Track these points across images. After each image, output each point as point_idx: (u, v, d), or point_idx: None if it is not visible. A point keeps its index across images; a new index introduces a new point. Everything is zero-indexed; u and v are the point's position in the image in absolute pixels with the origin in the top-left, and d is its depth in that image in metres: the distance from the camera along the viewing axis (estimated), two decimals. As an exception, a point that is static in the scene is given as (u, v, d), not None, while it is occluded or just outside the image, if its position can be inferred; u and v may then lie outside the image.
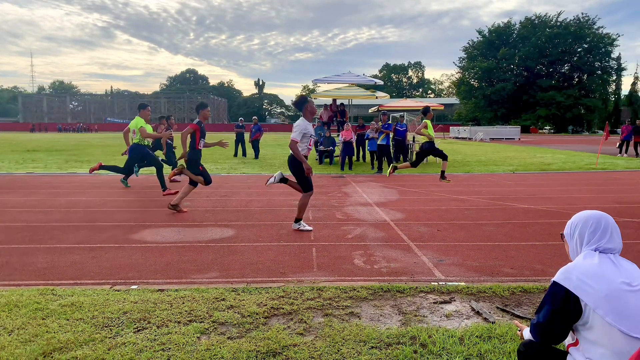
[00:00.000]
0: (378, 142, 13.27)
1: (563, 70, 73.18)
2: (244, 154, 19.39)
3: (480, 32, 76.54)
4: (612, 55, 68.46)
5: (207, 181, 7.01)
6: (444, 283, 3.99)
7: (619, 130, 27.03)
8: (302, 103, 5.87)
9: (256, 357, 2.71)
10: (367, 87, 20.89)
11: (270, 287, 3.86)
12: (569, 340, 1.88)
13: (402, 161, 15.49)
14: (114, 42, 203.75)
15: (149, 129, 8.60)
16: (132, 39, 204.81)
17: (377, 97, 20.01)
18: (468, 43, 78.18)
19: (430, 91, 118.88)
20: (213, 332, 3.02)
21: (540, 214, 7.09)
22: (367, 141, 14.59)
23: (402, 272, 4.33)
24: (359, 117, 18.40)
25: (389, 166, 13.15)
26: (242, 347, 2.80)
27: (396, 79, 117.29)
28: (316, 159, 16.71)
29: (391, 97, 24.84)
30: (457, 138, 45.70)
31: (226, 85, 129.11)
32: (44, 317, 3.21)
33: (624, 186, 10.43)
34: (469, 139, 42.75)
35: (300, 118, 5.84)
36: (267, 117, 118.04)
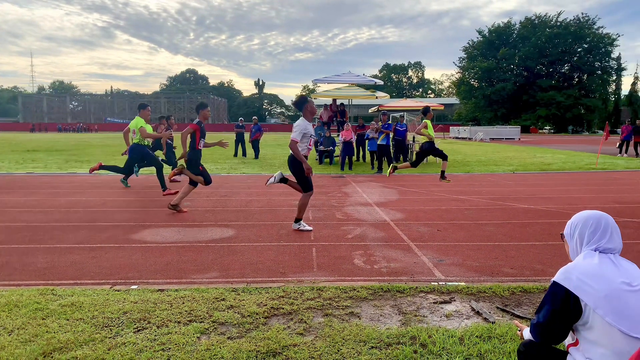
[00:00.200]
0: (378, 142, 13.27)
1: (563, 70, 73.18)
2: (244, 154, 19.39)
3: (480, 32, 76.61)
4: (612, 55, 68.51)
5: (207, 181, 7.02)
6: (444, 283, 3.99)
7: (619, 130, 27.03)
8: (302, 103, 5.87)
9: (256, 357, 2.71)
10: (367, 87, 20.89)
11: (270, 287, 3.86)
12: (569, 340, 1.88)
13: (402, 161, 15.49)
14: (114, 42, 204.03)
15: (149, 129, 8.61)
16: (132, 39, 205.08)
17: (377, 97, 20.02)
18: (468, 43, 78.28)
19: (430, 91, 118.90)
20: (213, 332, 3.02)
21: (540, 214, 7.09)
22: (367, 141, 14.59)
23: (402, 272, 4.33)
24: (359, 117, 18.40)
25: (389, 166, 13.17)
26: (242, 347, 2.80)
27: (396, 79, 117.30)
28: (316, 159, 16.71)
29: (391, 97, 24.84)
30: (457, 138, 45.71)
31: (226, 85, 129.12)
32: (44, 317, 3.21)
33: (624, 186, 10.43)
34: (469, 139, 42.73)
35: (300, 118, 5.84)
36: (267, 117, 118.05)
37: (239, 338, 2.95)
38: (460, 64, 79.69)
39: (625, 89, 73.69)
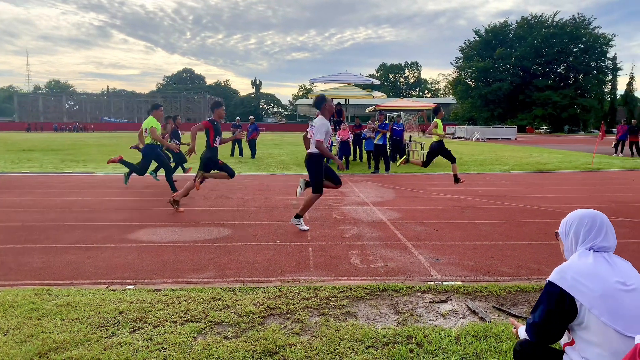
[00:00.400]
0: (375, 142, 13.28)
1: (559, 70, 73.42)
2: (241, 153, 19.37)
3: (476, 32, 76.78)
4: (608, 55, 68.78)
5: (231, 174, 6.98)
6: (440, 282, 4.00)
7: (614, 130, 27.17)
8: (321, 102, 5.92)
9: (252, 356, 2.71)
10: (364, 86, 20.91)
11: (267, 287, 3.85)
12: (565, 339, 1.89)
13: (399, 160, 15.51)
14: (110, 42, 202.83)
15: (159, 129, 8.55)
16: (129, 38, 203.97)
17: (374, 97, 20.06)
18: (465, 43, 78.48)
19: (427, 91, 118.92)
20: (209, 332, 3.02)
21: (536, 213, 7.11)
22: (363, 141, 14.59)
23: (399, 271, 4.34)
24: (355, 117, 18.39)
25: (385, 166, 13.18)
26: (238, 347, 2.79)
27: (393, 79, 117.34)
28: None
29: (388, 96, 24.93)
30: (453, 138, 45.82)
31: (223, 84, 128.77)
32: (40, 317, 3.19)
33: (620, 185, 10.48)
34: (466, 138, 42.86)
35: (320, 117, 5.85)
36: (264, 116, 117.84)
37: (236, 338, 2.94)
38: (456, 64, 79.98)
39: (621, 89, 74.32)
